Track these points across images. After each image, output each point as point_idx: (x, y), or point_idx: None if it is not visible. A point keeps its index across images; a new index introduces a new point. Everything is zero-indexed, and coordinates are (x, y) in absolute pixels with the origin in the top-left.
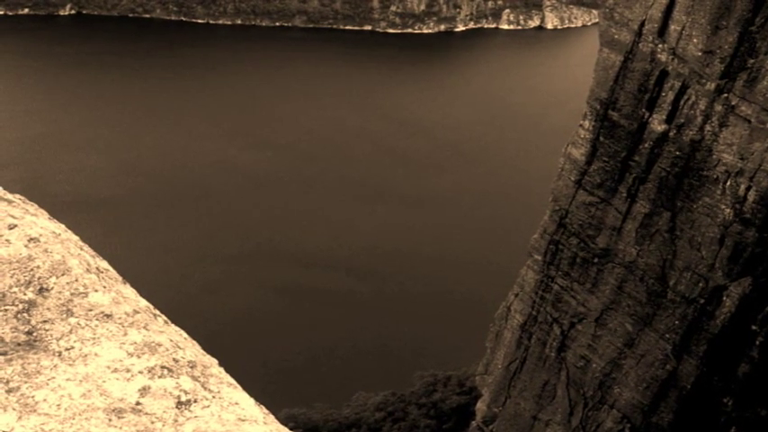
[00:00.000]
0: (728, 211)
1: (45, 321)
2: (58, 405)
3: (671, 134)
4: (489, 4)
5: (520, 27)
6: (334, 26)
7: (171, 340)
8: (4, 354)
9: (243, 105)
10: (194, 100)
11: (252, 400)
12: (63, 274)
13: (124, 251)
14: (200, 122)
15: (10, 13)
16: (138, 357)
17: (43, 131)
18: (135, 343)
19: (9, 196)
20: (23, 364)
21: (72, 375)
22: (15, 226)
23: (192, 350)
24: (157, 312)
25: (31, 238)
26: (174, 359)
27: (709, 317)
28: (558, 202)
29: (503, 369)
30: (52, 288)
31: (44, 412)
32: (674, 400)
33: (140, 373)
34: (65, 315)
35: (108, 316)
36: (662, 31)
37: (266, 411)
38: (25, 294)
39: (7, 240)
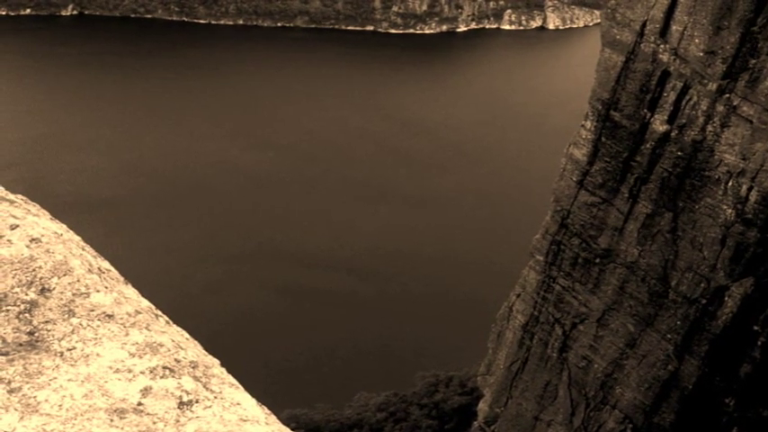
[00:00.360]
0: (730, 211)
1: (47, 322)
2: (60, 405)
3: (673, 134)
4: (491, 4)
5: (522, 27)
6: (336, 26)
7: (173, 341)
8: (6, 354)
9: (245, 106)
10: (196, 100)
11: (254, 401)
12: (65, 275)
13: (126, 251)
14: (202, 123)
15: (12, 14)
16: (140, 358)
17: (45, 132)
18: (137, 343)
19: (11, 196)
20: (25, 364)
21: (74, 376)
22: (17, 226)
23: (193, 350)
24: (159, 313)
25: (33, 239)
26: (175, 359)
27: (711, 317)
28: (560, 203)
29: (504, 369)
30: (54, 288)
31: (46, 413)
32: (676, 401)
33: (142, 373)
34: (67, 315)
35: (110, 316)
36: (664, 32)
37: (268, 412)
38: (27, 295)
39: (9, 241)
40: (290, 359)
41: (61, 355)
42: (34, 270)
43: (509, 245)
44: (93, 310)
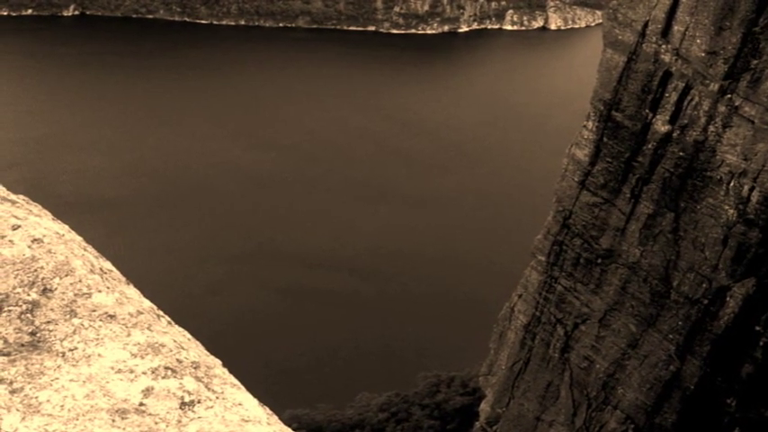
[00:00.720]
0: (732, 211)
1: (49, 322)
2: (62, 406)
3: (674, 135)
4: (493, 4)
5: (523, 28)
6: (338, 27)
7: (174, 341)
8: (8, 354)
9: (246, 106)
10: (197, 100)
11: (255, 401)
12: (67, 275)
13: (128, 252)
14: (204, 123)
15: (13, 14)
16: (142, 358)
17: (46, 132)
18: (138, 344)
19: (13, 197)
20: (27, 364)
21: (75, 376)
22: (19, 227)
23: (195, 351)
24: (161, 313)
25: (35, 239)
26: (177, 360)
27: (713, 317)
28: (562, 203)
29: (506, 370)
30: (56, 289)
31: (47, 413)
32: (678, 401)
33: (144, 373)
34: (68, 316)
35: (111, 317)
36: (665, 32)
37: (270, 412)
38: (29, 295)
39: (11, 241)
40: (292, 359)
41: (63, 356)
42: (36, 270)
43: (511, 245)
44: (94, 311)
